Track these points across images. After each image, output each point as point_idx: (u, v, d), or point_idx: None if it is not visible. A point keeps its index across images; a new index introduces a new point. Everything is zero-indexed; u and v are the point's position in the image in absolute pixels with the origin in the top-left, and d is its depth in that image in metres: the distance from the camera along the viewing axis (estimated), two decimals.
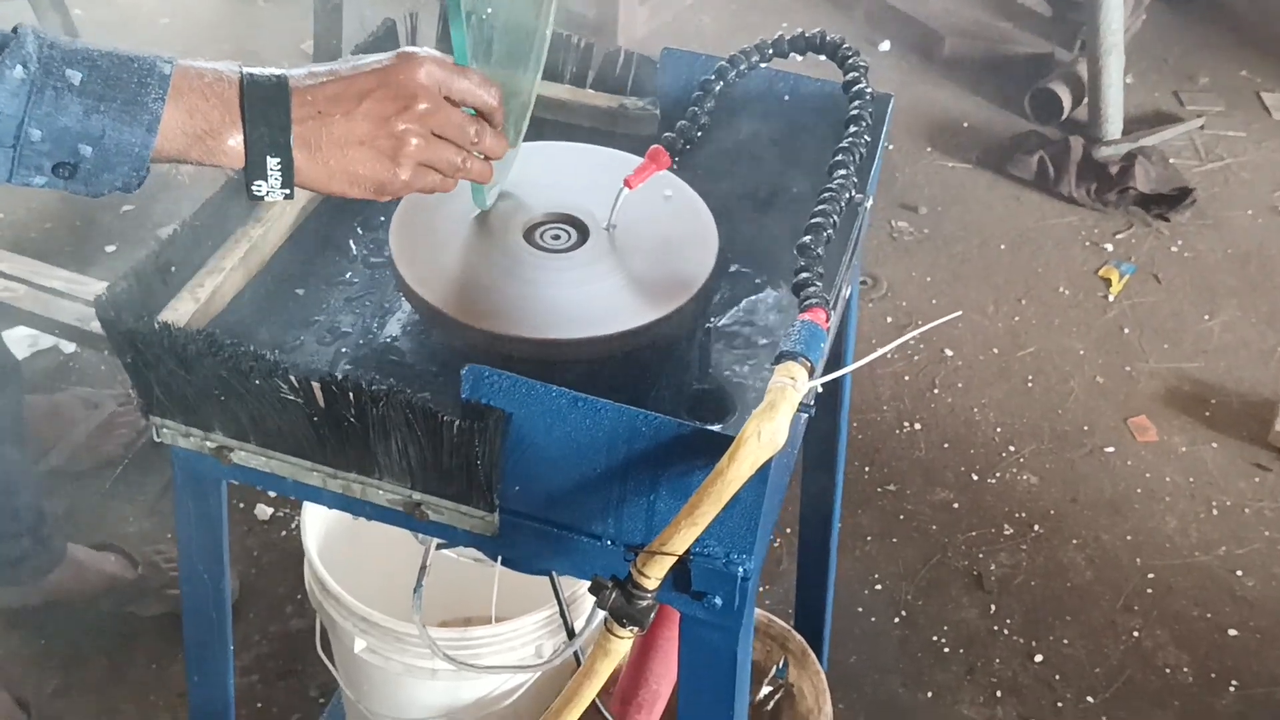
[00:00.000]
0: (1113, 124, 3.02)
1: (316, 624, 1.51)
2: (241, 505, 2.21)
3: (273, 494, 2.16)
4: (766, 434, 0.86)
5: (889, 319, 2.65)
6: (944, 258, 2.82)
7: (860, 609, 2.12)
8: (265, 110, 0.94)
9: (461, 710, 1.43)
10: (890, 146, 3.09)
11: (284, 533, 2.17)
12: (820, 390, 1.16)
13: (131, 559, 2.04)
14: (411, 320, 1.12)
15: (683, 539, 0.89)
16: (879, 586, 2.15)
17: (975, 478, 2.33)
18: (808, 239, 0.98)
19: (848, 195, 1.03)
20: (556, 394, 0.91)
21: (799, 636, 1.50)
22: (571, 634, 1.23)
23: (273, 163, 0.95)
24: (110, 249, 2.62)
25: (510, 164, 1.17)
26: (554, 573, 1.06)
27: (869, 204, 1.10)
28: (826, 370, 1.41)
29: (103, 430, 2.22)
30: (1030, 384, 2.52)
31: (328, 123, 0.96)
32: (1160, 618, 2.11)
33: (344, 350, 1.10)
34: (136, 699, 1.93)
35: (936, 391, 2.50)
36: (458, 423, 0.93)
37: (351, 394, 0.94)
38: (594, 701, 1.28)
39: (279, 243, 1.15)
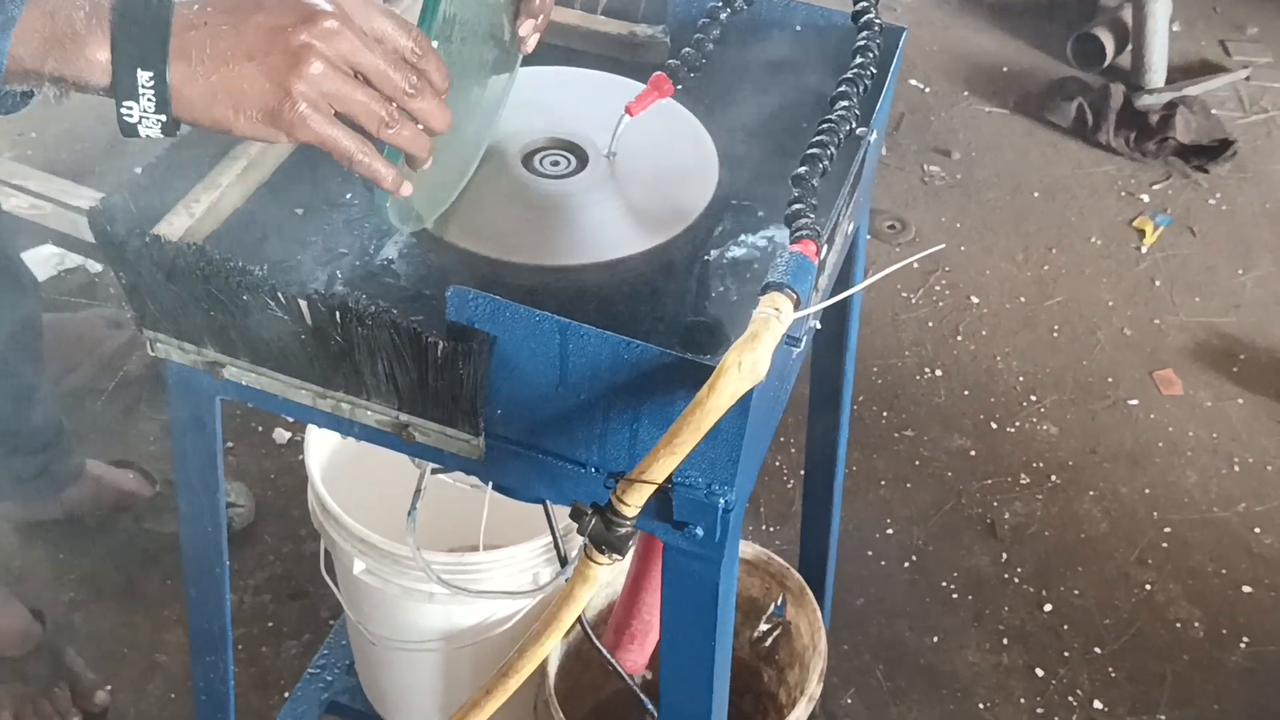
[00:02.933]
0: (1156, 72, 2.96)
1: (321, 547, 1.53)
2: (260, 429, 2.23)
3: (291, 419, 2.18)
4: (747, 364, 0.85)
5: (915, 264, 2.62)
6: (975, 204, 2.78)
7: (871, 552, 2.12)
8: (141, 14, 0.82)
9: (459, 634, 1.44)
10: (927, 89, 3.05)
11: (300, 456, 2.18)
12: (818, 325, 1.16)
13: (150, 477, 2.07)
14: (408, 244, 1.11)
15: (662, 468, 0.89)
16: (890, 531, 2.14)
17: (994, 426, 2.31)
18: (803, 170, 0.97)
19: (848, 127, 1.02)
20: (540, 318, 0.90)
21: (797, 574, 1.50)
22: (564, 562, 1.24)
23: (144, 77, 0.83)
24: (141, 170, 2.63)
25: (446, 190, 1.05)
26: (544, 500, 1.06)
27: (873, 138, 1.08)
28: (831, 309, 1.40)
29: (126, 349, 2.24)
30: (1056, 334, 2.49)
31: (213, 33, 0.83)
32: (1174, 572, 2.10)
33: (339, 271, 1.10)
34: (150, 613, 1.96)
35: (960, 338, 2.48)
36: (442, 344, 0.93)
37: (338, 312, 0.94)
38: (587, 633, 1.29)
39: (279, 161, 1.14)
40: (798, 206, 0.94)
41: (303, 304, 0.94)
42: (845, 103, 1.02)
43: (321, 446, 1.46)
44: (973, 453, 2.27)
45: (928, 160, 2.88)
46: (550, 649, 0.99)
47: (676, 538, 0.99)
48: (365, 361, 0.97)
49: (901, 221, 2.70)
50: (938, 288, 2.58)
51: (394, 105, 0.88)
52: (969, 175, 2.85)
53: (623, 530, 0.92)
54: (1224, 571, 2.10)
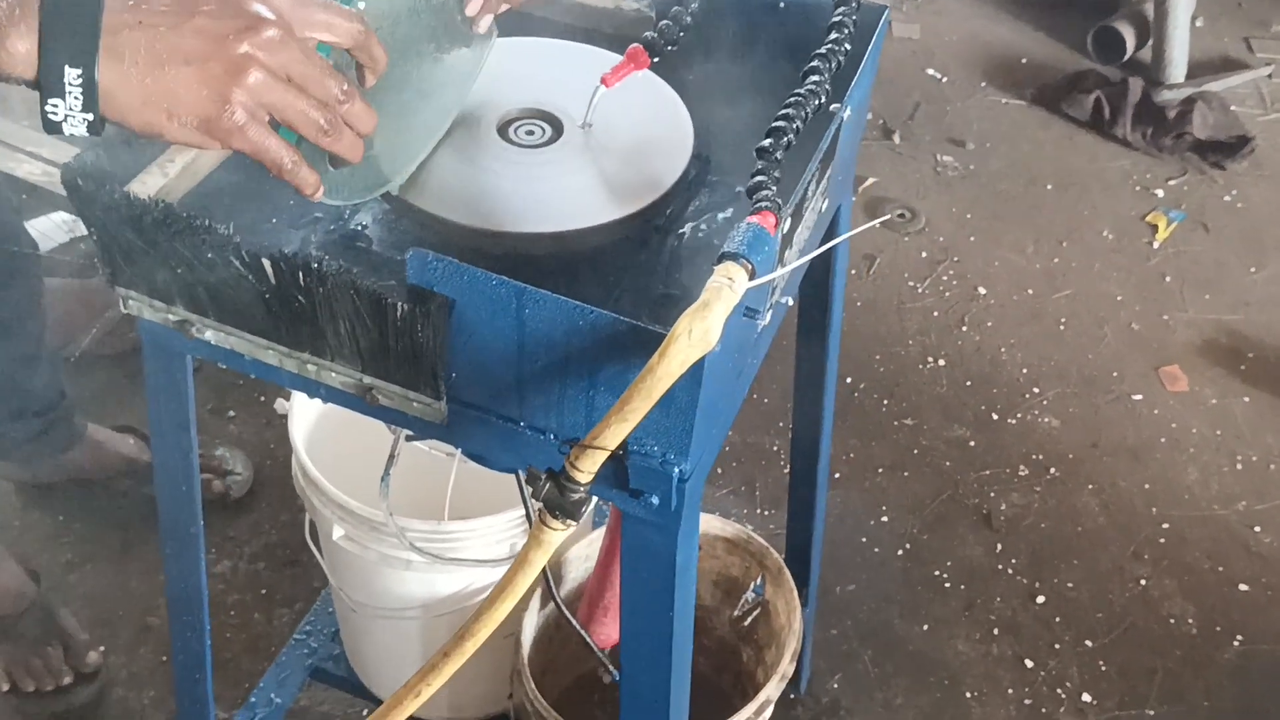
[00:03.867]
0: (1176, 67, 2.93)
1: (306, 514, 1.54)
2: (262, 399, 2.25)
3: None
4: (698, 332, 0.85)
5: (923, 253, 2.61)
6: (987, 195, 2.77)
7: (864, 539, 2.11)
8: (70, 8, 0.78)
9: (437, 602, 1.45)
10: (944, 79, 3.03)
11: None
12: (789, 303, 1.16)
13: (149, 442, 2.09)
14: (383, 210, 1.12)
15: (613, 434, 0.89)
16: (885, 518, 2.14)
17: (995, 417, 2.31)
18: (767, 142, 0.97)
19: (817, 102, 1.01)
20: (497, 283, 0.91)
21: (776, 554, 1.50)
22: None
23: (72, 74, 0.79)
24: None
25: (379, 180, 1.04)
26: (512, 468, 1.06)
27: (846, 114, 1.07)
28: (815, 292, 1.40)
29: (130, 316, 2.26)
30: (1062, 327, 2.48)
31: (149, 34, 0.80)
32: (1170, 568, 2.08)
33: (314, 235, 1.11)
34: (145, 576, 1.99)
35: (965, 329, 2.47)
36: (401, 306, 0.93)
37: (300, 272, 0.95)
38: (558, 605, 1.30)
39: None
40: (760, 179, 0.94)
41: (266, 263, 0.95)
42: (816, 77, 1.02)
43: (307, 413, 1.48)
44: (972, 443, 2.26)
45: (941, 150, 2.86)
46: (504, 613, 1.00)
47: (633, 506, 0.99)
48: (328, 323, 0.98)
49: (912, 210, 2.69)
50: (945, 277, 2.57)
51: (331, 112, 0.88)
52: (982, 166, 2.83)
53: (576, 496, 0.93)
54: (1220, 569, 2.08)
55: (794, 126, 0.98)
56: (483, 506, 1.39)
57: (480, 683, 1.55)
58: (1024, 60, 3.12)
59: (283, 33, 0.84)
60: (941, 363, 2.40)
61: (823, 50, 1.05)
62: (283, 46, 0.84)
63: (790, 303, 1.15)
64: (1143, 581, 2.06)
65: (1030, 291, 2.55)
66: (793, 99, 1.00)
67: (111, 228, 0.99)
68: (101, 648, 1.88)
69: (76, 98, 0.80)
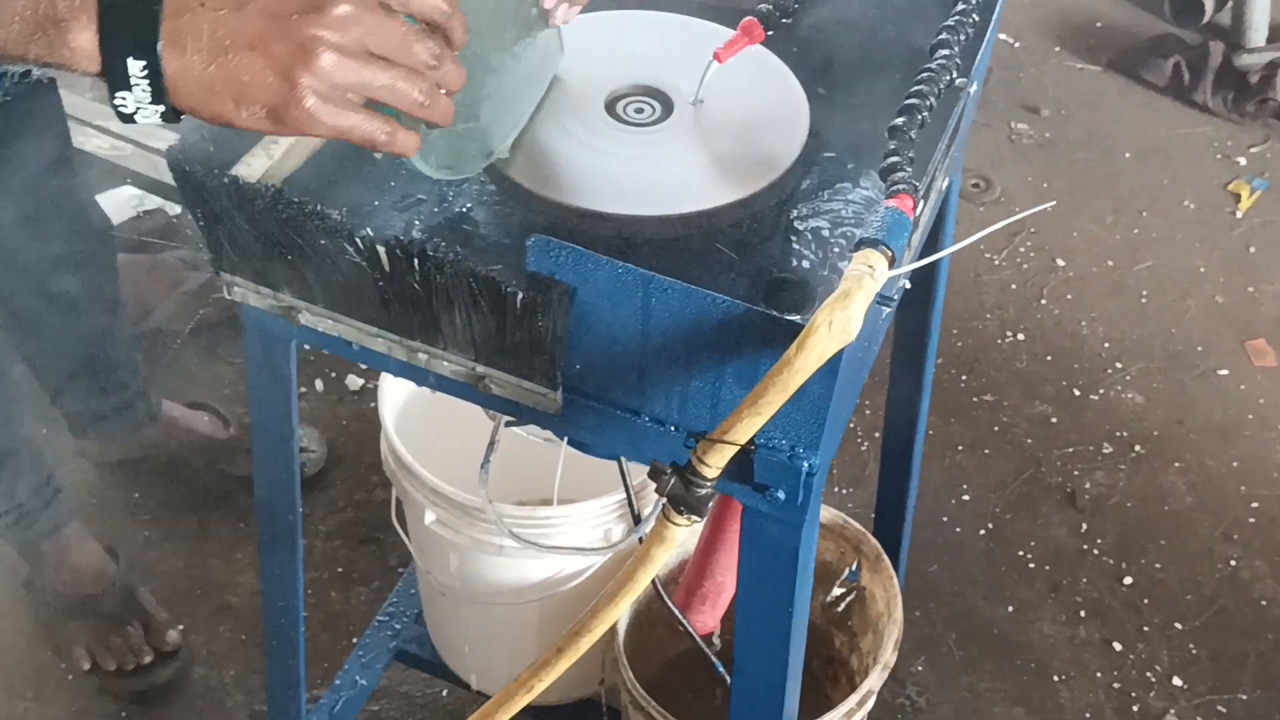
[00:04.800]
0: (1257, 30, 2.84)
1: (392, 494, 1.52)
2: (334, 374, 2.23)
3: (364, 365, 2.19)
4: (838, 323, 0.82)
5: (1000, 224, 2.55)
6: (1064, 164, 2.70)
7: (946, 519, 2.07)
8: None
9: (528, 588, 1.43)
10: (1016, 44, 2.96)
11: (374, 403, 2.18)
12: (908, 285, 1.11)
13: (224, 419, 2.08)
14: (487, 191, 1.09)
15: (745, 428, 0.86)
16: (967, 498, 2.10)
17: (1077, 393, 2.25)
18: (900, 121, 0.93)
19: (948, 78, 0.97)
20: (623, 270, 0.87)
21: (874, 540, 1.47)
22: (637, 519, 1.21)
23: (136, 67, 0.75)
24: None
25: (484, 150, 1.00)
26: (620, 457, 1.03)
27: (973, 89, 1.03)
28: (919, 274, 1.35)
29: (203, 291, 2.25)
30: (1145, 300, 2.42)
31: (211, 18, 0.75)
32: (1261, 549, 2.03)
33: (418, 218, 1.07)
34: (222, 554, 1.98)
35: (1044, 302, 2.41)
36: (521, 295, 0.90)
37: (416, 260, 0.92)
38: (660, 594, 1.27)
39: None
40: (894, 159, 0.90)
41: (381, 250, 0.92)
42: (945, 51, 0.98)
43: (395, 394, 1.45)
44: (1054, 420, 2.21)
45: (1016, 118, 2.80)
46: (624, 609, 0.97)
47: (757, 500, 0.96)
48: (442, 311, 0.95)
49: (987, 180, 2.63)
50: (1022, 249, 2.51)
51: (423, 80, 0.81)
52: (1059, 134, 2.76)
53: (703, 492, 0.90)
54: None
55: (928, 104, 0.93)
56: (577, 491, 1.36)
57: (575, 665, 1.53)
58: (1099, 24, 3.04)
59: (356, 6, 0.77)
60: (1021, 337, 2.35)
61: (950, 23, 1.01)
62: (356, 21, 0.77)
63: (908, 285, 1.11)
64: (1233, 563, 2.02)
65: (1110, 263, 2.49)
66: (924, 74, 0.95)
67: (218, 213, 0.96)
68: (181, 626, 1.88)
69: (145, 90, 0.76)
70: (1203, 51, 2.81)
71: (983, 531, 2.06)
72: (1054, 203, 2.50)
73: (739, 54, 1.09)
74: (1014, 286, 2.44)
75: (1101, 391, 2.26)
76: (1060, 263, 2.49)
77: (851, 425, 2.19)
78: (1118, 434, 2.19)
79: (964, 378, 2.28)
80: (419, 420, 1.47)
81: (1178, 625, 1.94)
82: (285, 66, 0.75)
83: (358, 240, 0.92)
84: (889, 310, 1.00)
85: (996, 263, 2.49)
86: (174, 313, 2.23)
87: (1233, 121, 2.78)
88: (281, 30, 0.75)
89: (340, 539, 2.02)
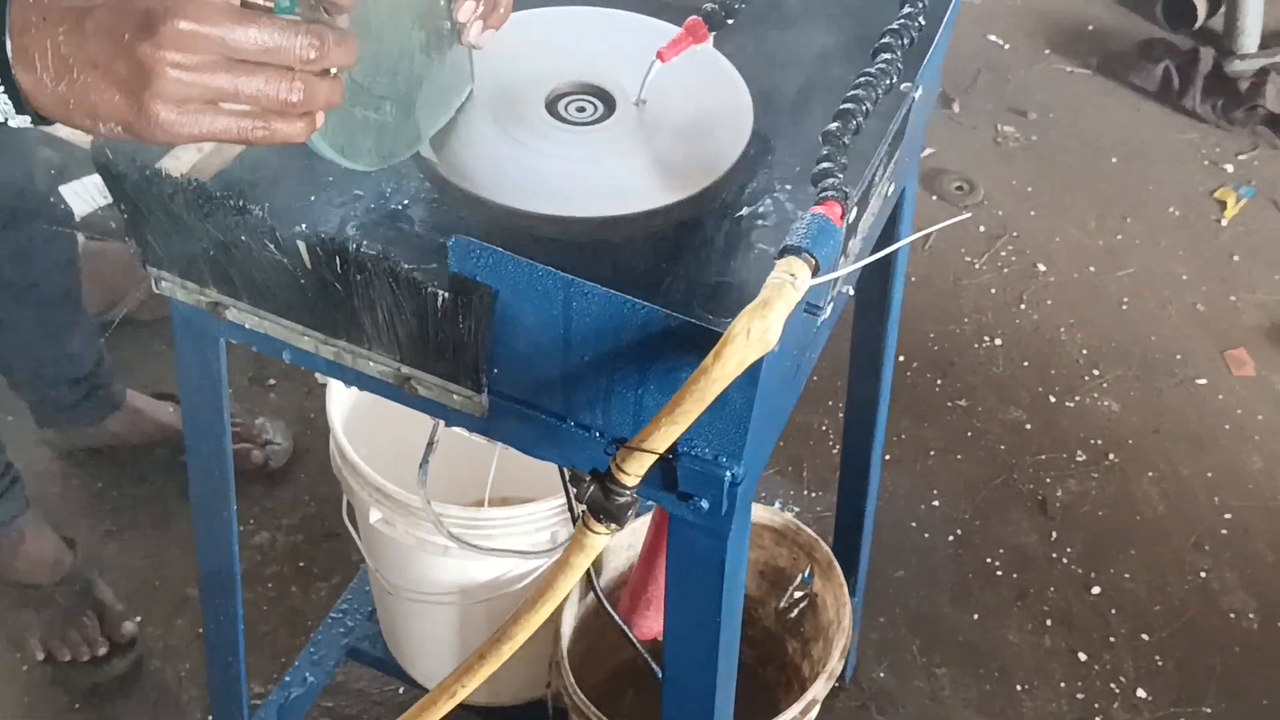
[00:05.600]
0: (1249, 36, 2.82)
1: (344, 493, 1.50)
2: (303, 368, 2.21)
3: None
4: (756, 332, 0.80)
5: (981, 228, 2.54)
6: (1049, 167, 2.68)
7: (914, 523, 2.06)
8: None
9: (474, 589, 1.41)
10: (1006, 46, 2.94)
11: None
12: (851, 292, 1.10)
13: None
14: (425, 190, 1.07)
15: (664, 437, 0.84)
16: (936, 503, 2.08)
17: (1053, 399, 2.23)
18: (834, 126, 0.91)
19: (888, 82, 0.95)
20: (543, 273, 0.86)
21: (825, 547, 1.45)
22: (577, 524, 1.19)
23: None
24: None
25: (407, 140, 0.97)
26: (549, 460, 1.01)
27: (918, 94, 1.01)
28: (875, 271, 1.34)
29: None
30: (1125, 306, 2.40)
31: (52, 35, 0.72)
32: (1232, 560, 2.01)
33: (354, 214, 1.06)
34: (183, 547, 1.96)
35: (1023, 307, 2.39)
36: (442, 296, 0.88)
37: (337, 258, 0.90)
38: (599, 599, 1.25)
39: None
40: (826, 165, 0.88)
41: (301, 247, 0.90)
42: (887, 55, 0.95)
43: (345, 393, 1.43)
44: (1028, 426, 2.19)
45: (1002, 120, 2.78)
46: (544, 617, 0.95)
47: (681, 509, 0.94)
48: (365, 310, 0.93)
49: (970, 183, 2.61)
50: (1004, 253, 2.49)
51: (291, 78, 0.76)
52: (1044, 137, 2.74)
53: (622, 500, 0.88)
54: None
55: (863, 109, 0.91)
56: (527, 489, 1.34)
57: (518, 669, 1.51)
58: (1090, 27, 3.02)
59: (196, 19, 0.72)
60: (998, 342, 2.33)
61: (895, 26, 0.99)
62: (196, 36, 0.72)
63: (851, 292, 1.09)
64: (1203, 574, 2.00)
65: (1092, 269, 2.47)
66: (862, 79, 0.93)
67: (142, 206, 0.95)
68: (138, 618, 1.86)
69: (6, 102, 0.74)
70: (1193, 57, 2.79)
71: (951, 537, 2.04)
72: (1033, 212, 2.48)
73: (685, 53, 1.07)
74: (994, 291, 2.42)
75: (1077, 398, 2.24)
76: (1041, 267, 2.47)
77: (823, 428, 2.17)
78: (1092, 441, 2.17)
79: (939, 381, 2.26)
80: (370, 419, 1.45)
81: (1145, 636, 1.92)
82: (129, 87, 0.72)
83: (278, 237, 0.90)
84: (822, 318, 0.98)
85: (977, 266, 2.46)
86: (142, 303, 2.22)
87: (1221, 128, 2.76)
88: (119, 50, 0.72)
89: (303, 533, 2.00)
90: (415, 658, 1.57)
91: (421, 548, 1.36)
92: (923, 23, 1.00)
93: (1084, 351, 2.32)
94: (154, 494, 2.03)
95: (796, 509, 2.06)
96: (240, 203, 0.91)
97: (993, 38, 2.97)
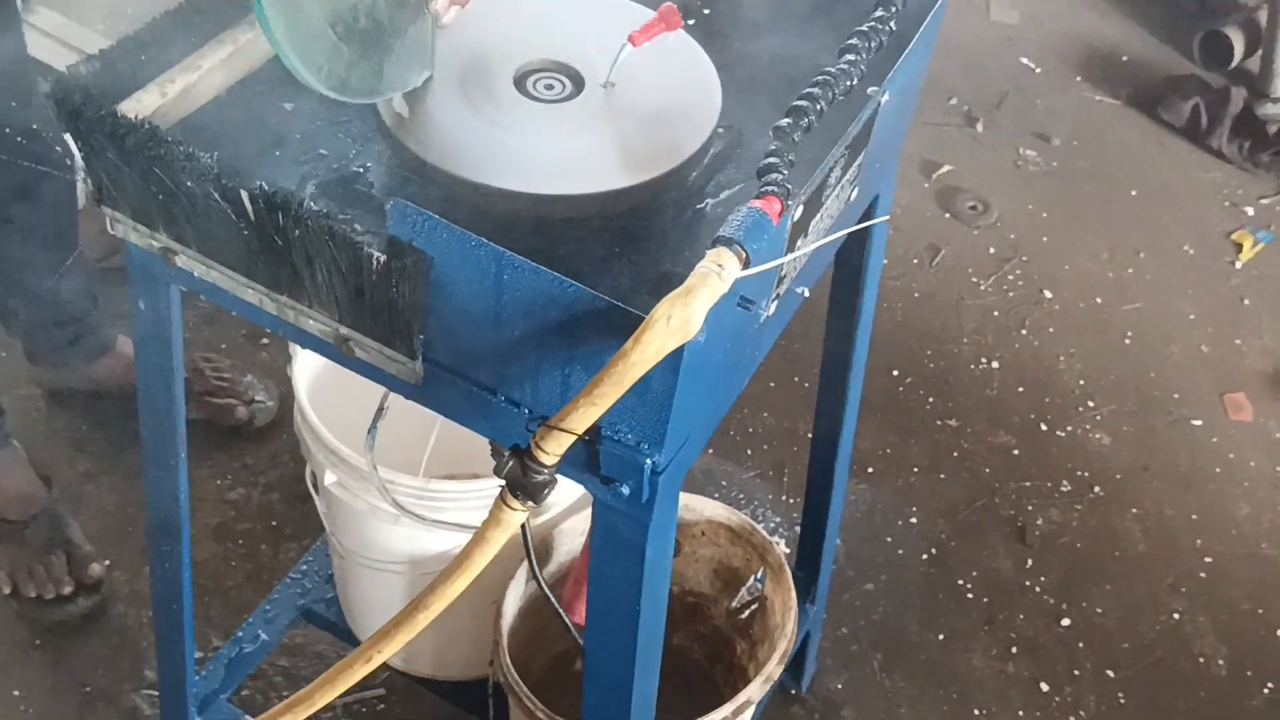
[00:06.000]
0: None
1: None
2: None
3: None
4: (677, 320, 0.80)
5: (991, 249, 2.51)
6: (1067, 194, 2.65)
7: (890, 538, 2.04)
8: None
9: (423, 560, 1.41)
10: (1037, 69, 2.92)
11: None
12: (805, 294, 1.09)
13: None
14: (388, 155, 1.07)
15: (582, 418, 0.84)
16: (914, 520, 2.07)
17: (1044, 427, 2.21)
18: (785, 122, 0.90)
19: (849, 83, 0.94)
20: (476, 244, 0.86)
21: (779, 550, 1.44)
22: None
23: None
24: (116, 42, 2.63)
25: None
26: (480, 433, 1.01)
27: (884, 98, 1.00)
28: (848, 280, 1.33)
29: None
30: (1128, 341, 2.37)
31: None
32: (1207, 604, 1.99)
33: (315, 172, 1.06)
34: None
35: (1024, 332, 2.37)
36: (377, 257, 0.88)
37: (279, 212, 0.90)
38: (536, 578, 1.25)
39: (274, 52, 1.10)
40: (771, 160, 0.88)
41: (244, 197, 0.91)
42: (851, 56, 0.95)
43: (314, 356, 1.43)
44: (1016, 452, 2.17)
45: (1025, 143, 2.75)
46: (460, 588, 0.95)
47: (604, 493, 0.94)
48: (304, 267, 0.93)
49: (985, 203, 2.59)
50: (1010, 277, 2.47)
51: None
52: (1065, 164, 2.71)
53: (539, 478, 0.88)
54: (1260, 611, 1.99)
55: (817, 108, 0.91)
56: (486, 465, 1.34)
57: (465, 645, 1.52)
58: (1124, 58, 2.98)
59: None
60: (995, 365, 2.31)
61: (864, 28, 0.98)
62: None
63: (806, 293, 1.08)
64: (1176, 615, 1.97)
65: (1099, 300, 2.44)
66: (820, 78, 0.93)
67: (96, 145, 0.95)
68: (107, 561, 1.88)
69: None
70: (1224, 96, 2.75)
71: (925, 556, 2.02)
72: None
73: (660, 39, 1.06)
74: (996, 313, 2.40)
75: (1069, 428, 2.22)
76: (1047, 294, 2.44)
77: (809, 434, 2.15)
78: (1079, 473, 2.15)
79: (931, 399, 2.24)
80: (338, 385, 1.45)
81: (1110, 672, 1.90)
82: None
83: (224, 186, 0.91)
84: (765, 314, 0.97)
85: (982, 288, 2.44)
86: None
87: (1245, 170, 2.72)
88: None
89: (278, 492, 2.01)
90: (365, 623, 1.58)
91: (373, 514, 1.36)
92: (894, 27, 0.99)
93: (1081, 382, 2.29)
94: (136, 440, 2.02)
95: (774, 514, 2.05)
96: (188, 149, 0.91)
97: (1025, 60, 2.94)
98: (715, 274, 0.81)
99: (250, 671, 1.64)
